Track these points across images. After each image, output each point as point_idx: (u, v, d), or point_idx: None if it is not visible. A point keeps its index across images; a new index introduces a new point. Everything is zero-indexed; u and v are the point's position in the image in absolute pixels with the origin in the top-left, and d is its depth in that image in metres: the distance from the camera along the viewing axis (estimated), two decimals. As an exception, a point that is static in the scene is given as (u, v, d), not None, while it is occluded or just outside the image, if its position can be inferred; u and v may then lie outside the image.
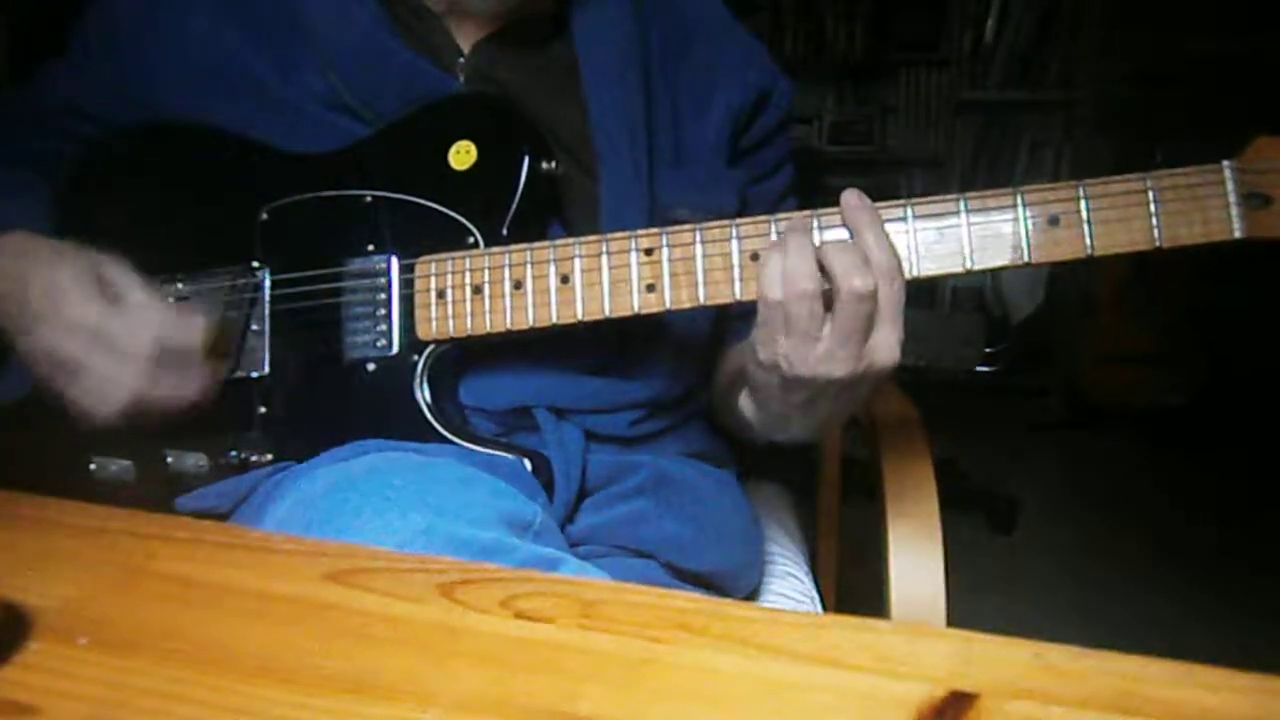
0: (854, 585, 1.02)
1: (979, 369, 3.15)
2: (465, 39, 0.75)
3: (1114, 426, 2.82)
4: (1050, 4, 3.01)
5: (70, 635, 0.39)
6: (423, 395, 0.68)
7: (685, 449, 0.81)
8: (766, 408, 0.68)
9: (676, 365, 0.79)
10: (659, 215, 0.74)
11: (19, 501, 0.53)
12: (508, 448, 0.68)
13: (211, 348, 0.68)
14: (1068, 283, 2.95)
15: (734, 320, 0.83)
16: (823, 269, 0.58)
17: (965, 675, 0.34)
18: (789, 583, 0.87)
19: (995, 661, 0.35)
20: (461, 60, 0.75)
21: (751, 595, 0.83)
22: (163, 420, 0.67)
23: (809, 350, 0.58)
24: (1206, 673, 0.34)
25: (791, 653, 0.37)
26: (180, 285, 0.74)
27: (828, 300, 0.57)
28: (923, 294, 3.19)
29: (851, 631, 0.38)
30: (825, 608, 0.88)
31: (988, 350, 3.14)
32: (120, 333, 0.64)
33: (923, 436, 0.83)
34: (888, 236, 0.58)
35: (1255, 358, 2.68)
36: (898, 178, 3.26)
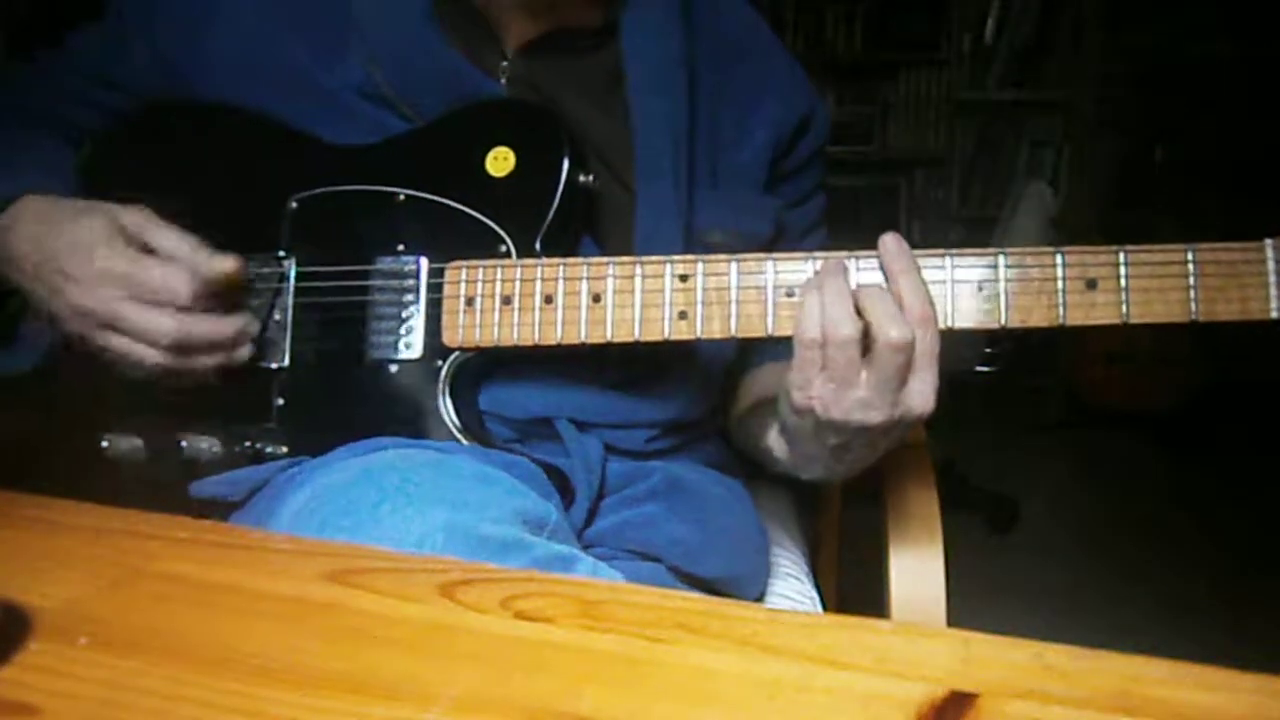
0: (854, 585, 1.02)
1: (979, 369, 3.14)
2: (510, 42, 0.74)
3: (1113, 426, 2.82)
4: (1050, 4, 3.01)
5: (70, 635, 0.39)
6: (444, 401, 0.68)
7: (696, 459, 0.81)
8: (797, 448, 0.67)
9: (700, 386, 0.78)
10: (693, 236, 0.74)
11: (19, 501, 0.53)
12: (523, 457, 0.67)
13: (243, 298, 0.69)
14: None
15: (762, 341, 0.83)
16: (859, 314, 0.57)
17: (965, 675, 0.34)
18: (789, 584, 0.87)
19: (995, 661, 0.35)
20: (505, 63, 0.74)
21: (757, 602, 0.83)
22: (182, 397, 0.67)
23: (845, 396, 0.57)
24: (1206, 673, 0.34)
25: (791, 653, 0.36)
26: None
27: (864, 347, 0.57)
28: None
29: (851, 631, 0.38)
30: (825, 608, 0.88)
31: (987, 350, 3.14)
32: (157, 279, 0.64)
33: (922, 437, 0.83)
34: (924, 284, 0.58)
35: (1255, 358, 2.68)
36: (898, 178, 3.26)
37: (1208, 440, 2.70)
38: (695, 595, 0.46)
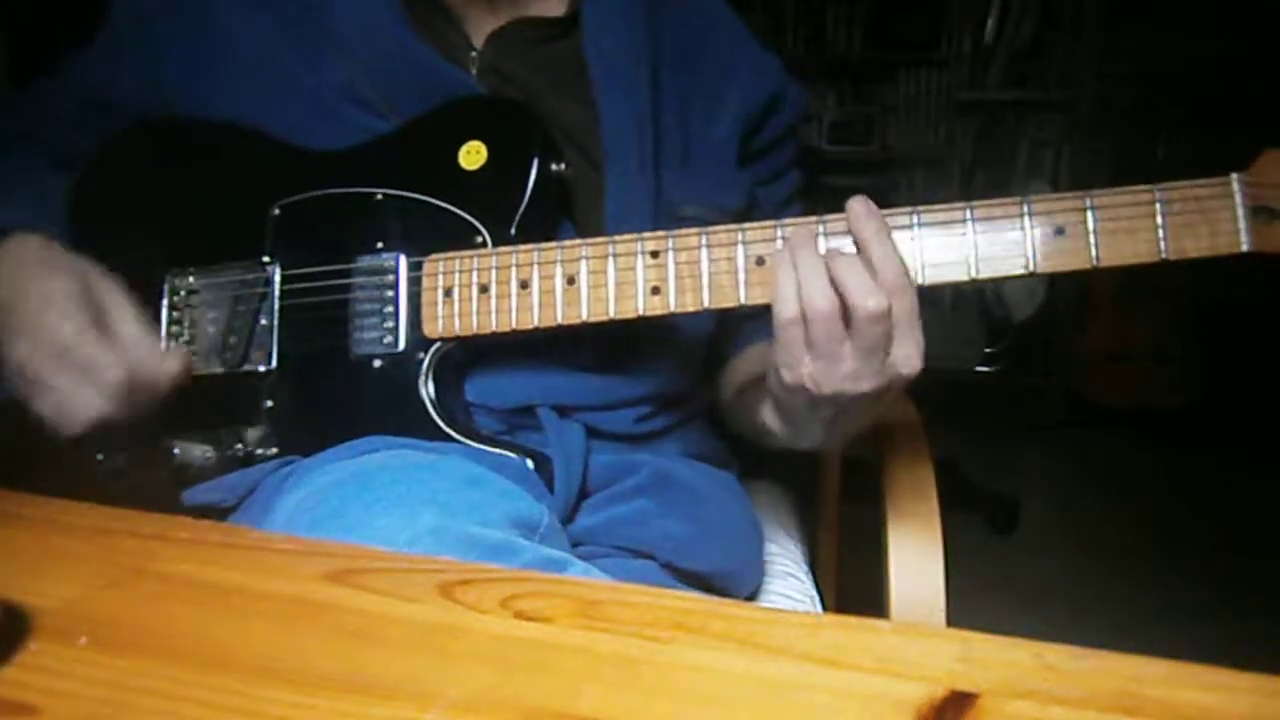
0: (854, 585, 1.02)
1: (979, 369, 3.15)
2: (477, 33, 0.76)
3: (1114, 426, 2.81)
4: (1050, 4, 3.01)
5: (70, 635, 0.39)
6: (427, 393, 0.68)
7: (687, 449, 0.81)
8: (792, 423, 0.67)
9: (680, 362, 0.79)
10: (666, 214, 0.75)
11: (19, 501, 0.53)
12: (510, 446, 0.68)
13: (188, 386, 0.68)
14: (1068, 282, 2.95)
15: (743, 322, 0.83)
16: (835, 285, 0.57)
17: (965, 675, 0.34)
18: (789, 583, 0.87)
19: (995, 661, 0.35)
20: (474, 54, 0.76)
21: (752, 596, 0.83)
22: (173, 405, 0.67)
23: (834, 370, 0.57)
24: (1206, 673, 0.34)
25: (791, 653, 0.36)
26: (191, 279, 0.75)
27: (845, 317, 0.57)
28: (923, 294, 3.18)
29: (851, 631, 0.38)
30: (825, 608, 0.88)
31: (988, 350, 3.14)
32: (91, 358, 0.63)
33: (923, 437, 0.83)
34: (896, 247, 0.58)
35: (1255, 357, 2.68)
36: (898, 178, 3.26)
37: (1208, 440, 2.69)
38: (695, 595, 0.46)
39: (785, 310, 0.57)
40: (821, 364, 0.58)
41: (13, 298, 0.66)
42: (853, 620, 0.39)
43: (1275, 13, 2.53)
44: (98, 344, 0.64)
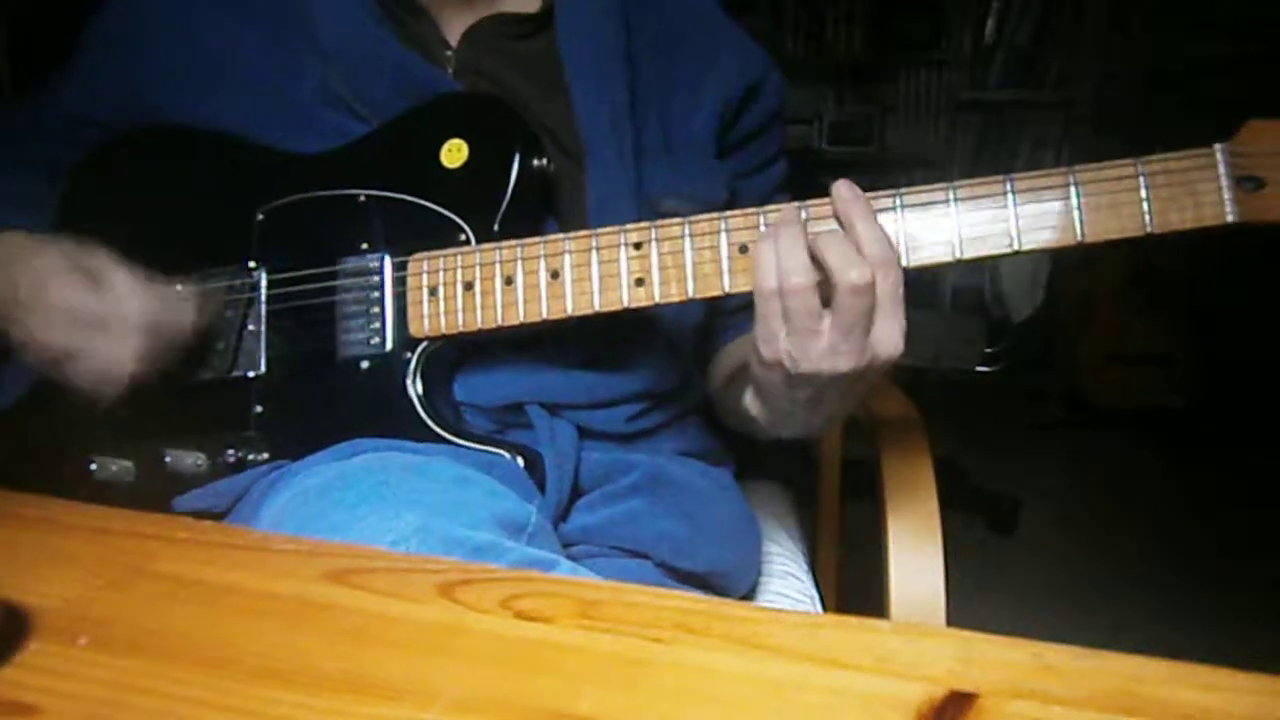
0: (854, 585, 1.02)
1: (979, 369, 3.15)
2: (452, 32, 0.76)
3: (1114, 426, 2.82)
4: (1050, 4, 3.01)
5: (70, 635, 0.39)
6: (416, 392, 0.68)
7: (681, 447, 0.81)
8: (772, 405, 0.67)
9: (670, 357, 0.79)
10: (647, 206, 0.75)
11: (19, 501, 0.53)
12: (500, 445, 0.68)
13: (202, 328, 0.70)
14: (1068, 283, 2.95)
15: (731, 314, 0.83)
16: (816, 262, 0.57)
17: (965, 675, 0.34)
18: (788, 582, 0.87)
19: (995, 661, 0.35)
20: (450, 53, 0.76)
21: (749, 595, 0.83)
22: (164, 413, 0.67)
23: (811, 346, 0.57)
24: (1206, 673, 0.34)
25: (791, 653, 0.37)
26: (178, 287, 0.75)
27: (825, 294, 0.56)
28: (923, 294, 3.19)
29: (851, 631, 0.38)
30: (825, 608, 0.88)
31: (988, 350, 3.14)
32: (108, 311, 0.65)
33: (923, 436, 0.83)
34: (881, 227, 0.57)
35: (1255, 358, 2.69)
36: (897, 178, 3.26)
37: (1208, 439, 2.70)
38: (695, 595, 0.46)
39: (764, 281, 0.57)
40: (797, 338, 0.57)
41: (8, 283, 0.67)
42: (853, 620, 0.39)
43: (1274, 13, 2.53)
44: (107, 295, 0.65)
